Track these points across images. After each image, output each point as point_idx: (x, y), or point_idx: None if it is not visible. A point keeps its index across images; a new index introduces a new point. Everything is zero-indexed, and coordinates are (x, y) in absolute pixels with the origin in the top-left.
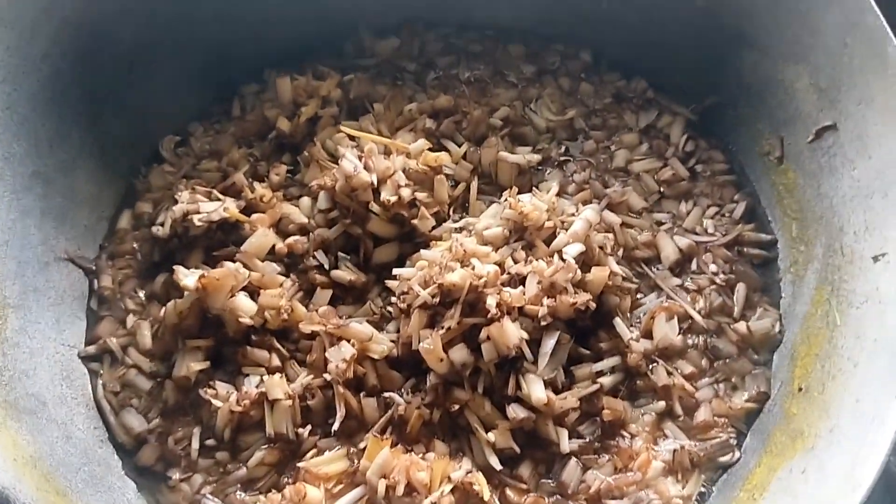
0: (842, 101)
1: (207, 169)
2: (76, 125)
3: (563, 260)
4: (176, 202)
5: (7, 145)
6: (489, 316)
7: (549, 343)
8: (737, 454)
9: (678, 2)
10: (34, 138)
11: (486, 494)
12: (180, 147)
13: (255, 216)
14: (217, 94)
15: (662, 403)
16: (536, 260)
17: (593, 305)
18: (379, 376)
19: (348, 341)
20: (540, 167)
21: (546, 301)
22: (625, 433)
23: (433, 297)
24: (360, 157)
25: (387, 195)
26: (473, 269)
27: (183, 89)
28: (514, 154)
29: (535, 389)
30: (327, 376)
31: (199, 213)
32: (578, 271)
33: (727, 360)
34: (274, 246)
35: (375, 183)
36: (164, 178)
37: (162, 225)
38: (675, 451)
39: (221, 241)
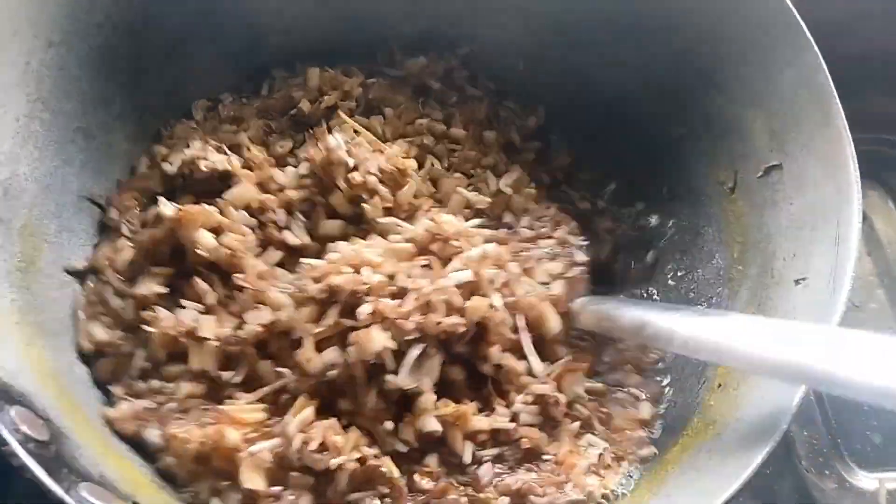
0: (789, 143)
1: (226, 132)
2: (119, 91)
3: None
4: (188, 146)
5: (58, 102)
6: (359, 321)
7: (411, 354)
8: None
9: (660, 46)
10: (81, 98)
11: (396, 472)
12: (210, 112)
13: (243, 171)
14: (249, 76)
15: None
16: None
17: (463, 329)
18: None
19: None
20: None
21: (417, 317)
22: (546, 456)
23: (321, 293)
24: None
25: (356, 175)
26: (361, 275)
27: (219, 69)
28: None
29: (430, 423)
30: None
31: (206, 160)
32: (458, 295)
33: None
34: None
35: (350, 166)
36: (186, 132)
37: (171, 163)
38: (600, 454)
39: (218, 189)
